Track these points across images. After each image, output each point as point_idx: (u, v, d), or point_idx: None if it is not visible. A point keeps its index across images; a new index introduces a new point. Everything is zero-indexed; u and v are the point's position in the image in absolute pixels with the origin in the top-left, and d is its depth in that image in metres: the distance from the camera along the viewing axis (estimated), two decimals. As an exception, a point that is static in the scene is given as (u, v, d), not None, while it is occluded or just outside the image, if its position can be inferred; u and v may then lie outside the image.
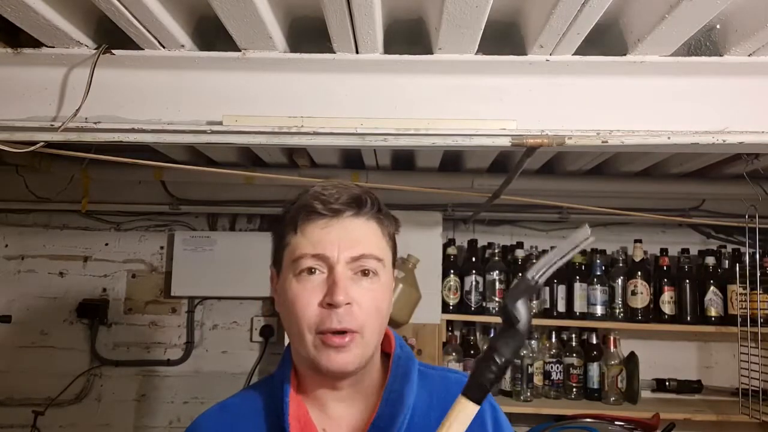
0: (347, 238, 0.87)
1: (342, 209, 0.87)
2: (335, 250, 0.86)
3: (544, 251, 2.67)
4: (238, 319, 2.82)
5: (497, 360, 0.76)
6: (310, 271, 0.86)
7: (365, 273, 0.87)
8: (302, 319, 0.85)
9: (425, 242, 2.52)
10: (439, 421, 0.75)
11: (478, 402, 0.75)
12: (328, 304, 0.84)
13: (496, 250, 2.60)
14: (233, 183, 2.48)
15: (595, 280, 2.54)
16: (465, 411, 0.75)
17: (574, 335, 2.61)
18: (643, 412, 2.36)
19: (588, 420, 2.31)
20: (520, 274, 2.23)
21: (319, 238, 0.87)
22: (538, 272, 0.77)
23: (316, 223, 0.87)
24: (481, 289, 2.56)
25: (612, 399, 2.49)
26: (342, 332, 0.84)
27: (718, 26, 1.28)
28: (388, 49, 1.33)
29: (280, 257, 0.92)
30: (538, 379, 2.53)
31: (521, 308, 0.77)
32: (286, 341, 2.79)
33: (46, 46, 1.33)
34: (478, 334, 2.70)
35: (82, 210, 2.57)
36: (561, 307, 2.57)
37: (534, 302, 2.55)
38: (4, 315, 2.73)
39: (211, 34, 1.34)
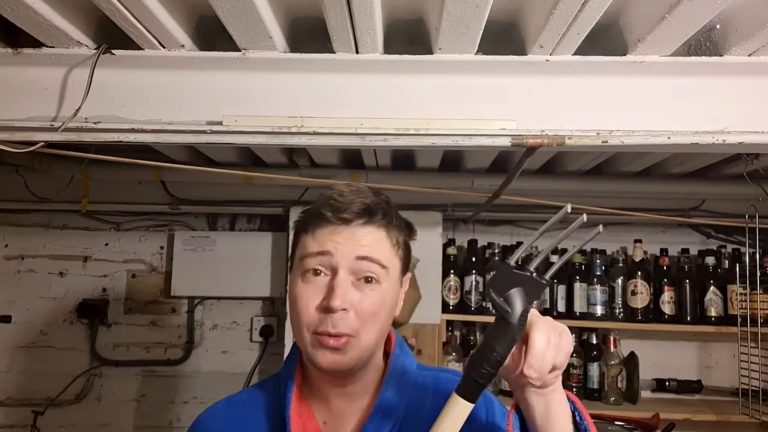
0: (353, 244, 0.88)
1: (351, 218, 0.89)
2: (339, 252, 0.88)
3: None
4: (238, 319, 2.83)
5: (490, 356, 0.72)
6: (315, 272, 0.88)
7: (368, 280, 0.89)
8: (301, 319, 0.88)
9: (425, 242, 2.52)
10: (432, 418, 0.75)
11: (471, 400, 0.73)
12: (325, 308, 0.86)
13: (496, 250, 2.60)
14: (233, 183, 2.47)
15: (595, 280, 2.54)
16: (458, 409, 0.73)
17: (573, 335, 2.60)
18: (643, 412, 2.36)
19: (588, 420, 2.31)
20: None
21: (326, 241, 0.89)
22: (516, 256, 0.74)
23: (326, 228, 0.90)
24: (481, 289, 2.56)
25: (612, 399, 2.49)
26: (337, 335, 0.86)
27: (718, 26, 1.28)
28: (388, 49, 1.33)
29: (293, 256, 0.96)
30: (538, 379, 2.53)
31: (513, 299, 0.72)
32: (287, 341, 2.78)
33: (46, 46, 1.33)
34: (478, 334, 2.69)
35: (82, 210, 2.57)
36: (561, 307, 2.57)
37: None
38: (4, 315, 2.73)
39: (211, 34, 1.34)
